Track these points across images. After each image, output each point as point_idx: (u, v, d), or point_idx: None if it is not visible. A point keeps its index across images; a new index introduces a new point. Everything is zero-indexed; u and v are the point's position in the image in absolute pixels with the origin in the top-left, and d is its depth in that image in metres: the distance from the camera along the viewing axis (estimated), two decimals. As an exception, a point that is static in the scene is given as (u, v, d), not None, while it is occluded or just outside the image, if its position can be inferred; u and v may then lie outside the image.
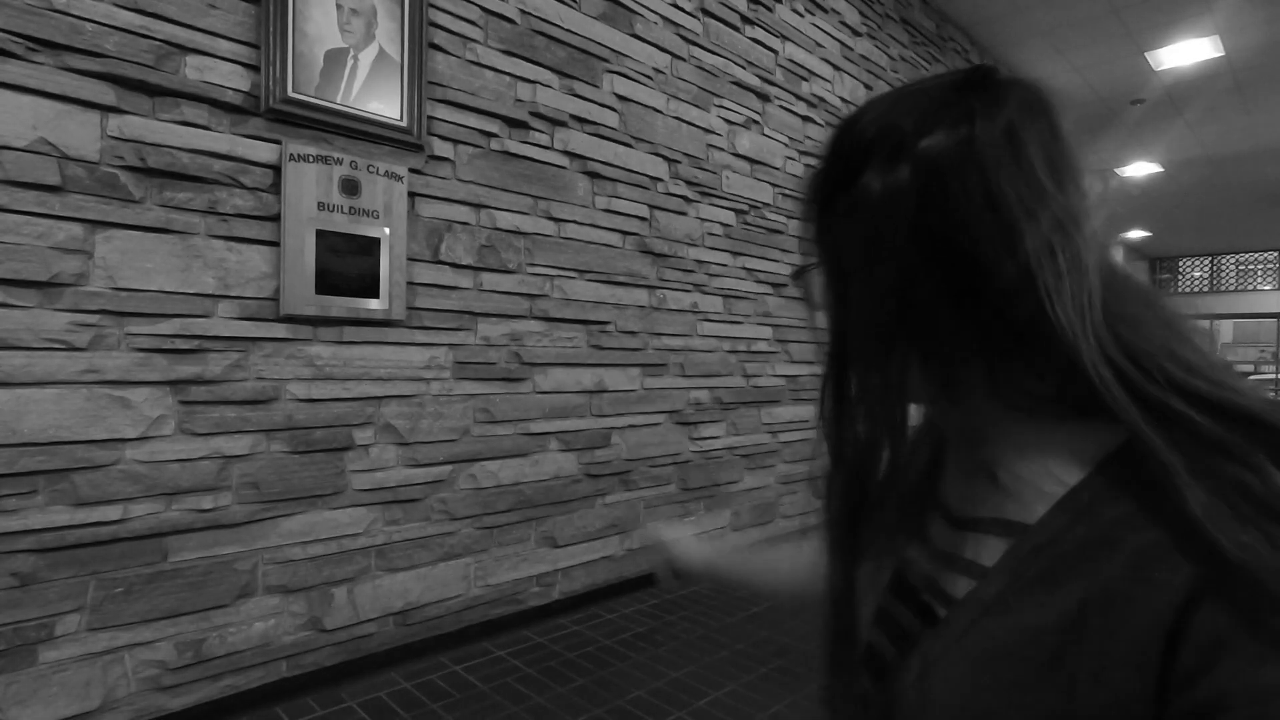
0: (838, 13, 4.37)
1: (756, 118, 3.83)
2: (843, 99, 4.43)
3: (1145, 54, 5.82)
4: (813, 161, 3.84)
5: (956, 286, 0.38)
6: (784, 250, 4.02)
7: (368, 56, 2.32)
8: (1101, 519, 0.37)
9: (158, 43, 1.94)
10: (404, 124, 2.39)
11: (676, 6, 3.36)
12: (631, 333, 3.20)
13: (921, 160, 0.38)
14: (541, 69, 2.82)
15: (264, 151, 2.13)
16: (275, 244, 2.15)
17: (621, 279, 3.15)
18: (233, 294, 2.08)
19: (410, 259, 2.46)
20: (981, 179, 0.37)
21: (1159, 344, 0.37)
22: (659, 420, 3.35)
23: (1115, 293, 0.38)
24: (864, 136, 0.41)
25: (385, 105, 2.35)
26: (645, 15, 3.22)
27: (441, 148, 2.54)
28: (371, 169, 2.33)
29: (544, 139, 2.85)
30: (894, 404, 0.42)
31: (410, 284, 2.46)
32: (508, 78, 2.72)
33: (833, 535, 0.48)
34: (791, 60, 4.04)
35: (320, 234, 2.21)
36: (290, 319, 2.18)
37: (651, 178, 3.27)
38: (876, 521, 0.48)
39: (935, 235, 0.38)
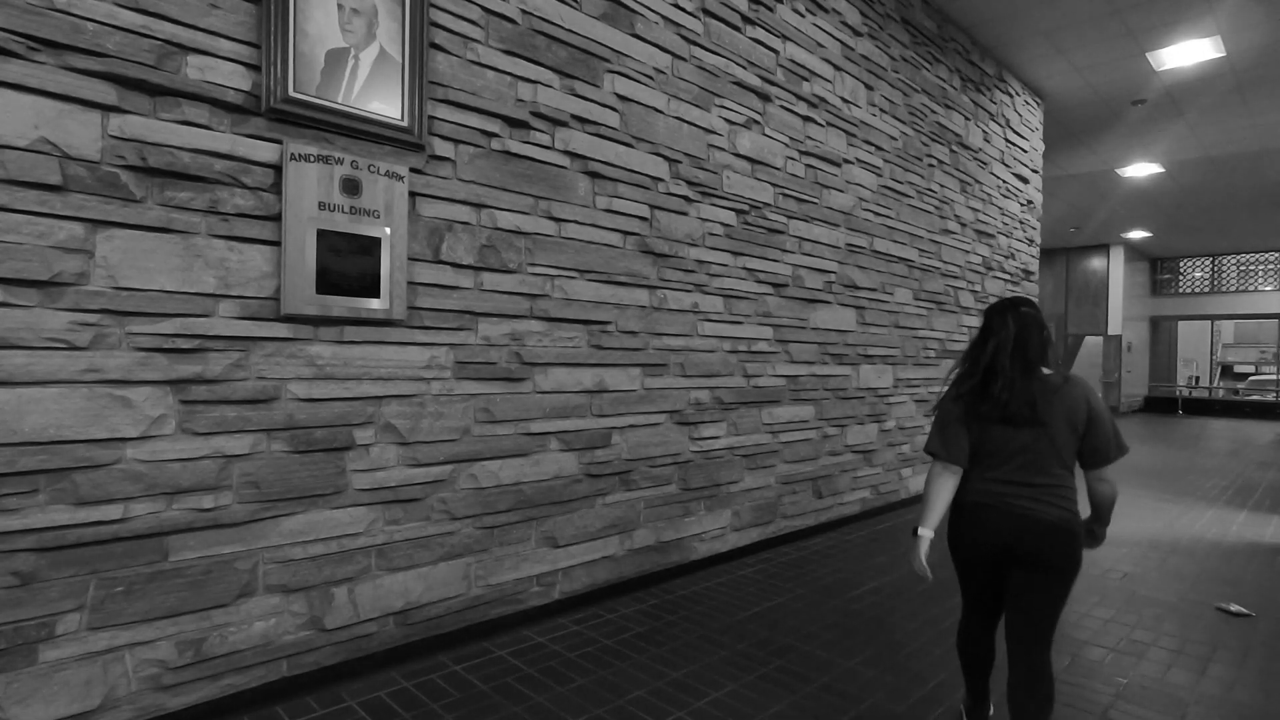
0: (838, 13, 4.37)
1: (757, 118, 3.83)
2: (843, 99, 4.43)
3: (1146, 54, 5.82)
4: (815, 163, 3.80)
5: (1044, 340, 1.83)
6: (784, 250, 4.02)
7: (369, 56, 2.32)
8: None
9: (159, 42, 1.94)
10: (405, 124, 2.39)
11: (677, 6, 3.36)
12: (632, 333, 3.20)
13: (1038, 314, 1.86)
14: (542, 69, 2.82)
15: (265, 151, 2.13)
16: (276, 244, 2.16)
17: (622, 279, 3.15)
18: (233, 293, 2.08)
19: (411, 259, 2.46)
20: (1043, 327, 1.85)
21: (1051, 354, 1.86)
22: (659, 420, 3.35)
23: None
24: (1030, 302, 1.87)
25: (386, 105, 2.35)
26: (646, 15, 3.22)
27: (442, 147, 2.54)
28: (372, 169, 2.33)
29: (545, 139, 2.85)
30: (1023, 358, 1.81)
31: (411, 284, 2.46)
32: (509, 78, 2.72)
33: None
34: (792, 60, 4.04)
35: (321, 234, 2.21)
36: (291, 318, 2.19)
37: (652, 178, 3.27)
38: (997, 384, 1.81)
39: (1043, 328, 1.84)
